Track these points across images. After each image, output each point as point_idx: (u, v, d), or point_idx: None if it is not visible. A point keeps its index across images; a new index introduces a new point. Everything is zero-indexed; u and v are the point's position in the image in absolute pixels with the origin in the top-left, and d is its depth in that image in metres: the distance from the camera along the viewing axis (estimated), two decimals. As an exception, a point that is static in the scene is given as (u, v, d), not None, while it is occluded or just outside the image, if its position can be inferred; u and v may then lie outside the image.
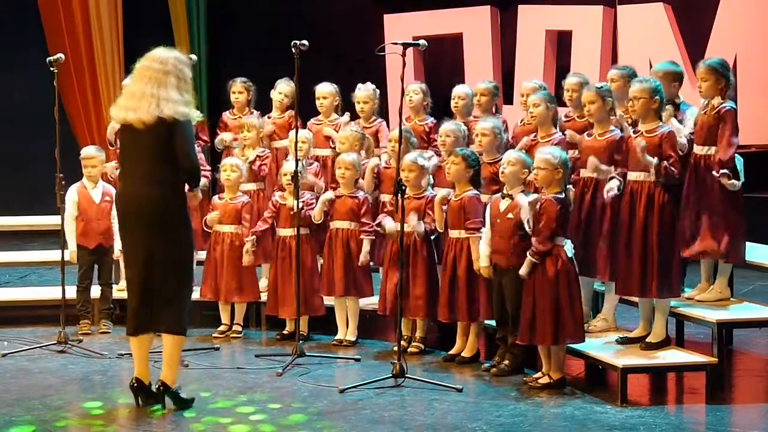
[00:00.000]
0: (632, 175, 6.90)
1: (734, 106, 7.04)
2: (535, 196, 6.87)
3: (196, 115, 6.38)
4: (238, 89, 9.04)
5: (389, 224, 7.62)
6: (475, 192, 7.34)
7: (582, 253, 7.12)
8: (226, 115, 9.16)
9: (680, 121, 7.22)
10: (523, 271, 6.80)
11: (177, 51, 6.45)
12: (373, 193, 8.14)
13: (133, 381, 6.40)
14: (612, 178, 6.98)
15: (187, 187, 6.37)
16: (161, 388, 6.33)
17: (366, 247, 7.86)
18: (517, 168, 7.01)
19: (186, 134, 6.27)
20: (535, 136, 7.55)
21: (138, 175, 6.30)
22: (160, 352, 6.40)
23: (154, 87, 6.22)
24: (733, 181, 6.91)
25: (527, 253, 6.77)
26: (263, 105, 9.13)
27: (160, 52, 6.36)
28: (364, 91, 8.67)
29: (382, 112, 9.18)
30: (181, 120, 6.23)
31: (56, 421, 6.22)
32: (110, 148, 8.92)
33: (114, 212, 8.28)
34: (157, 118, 6.18)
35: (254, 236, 8.14)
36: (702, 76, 7.09)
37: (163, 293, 6.29)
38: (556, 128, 7.53)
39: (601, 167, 6.95)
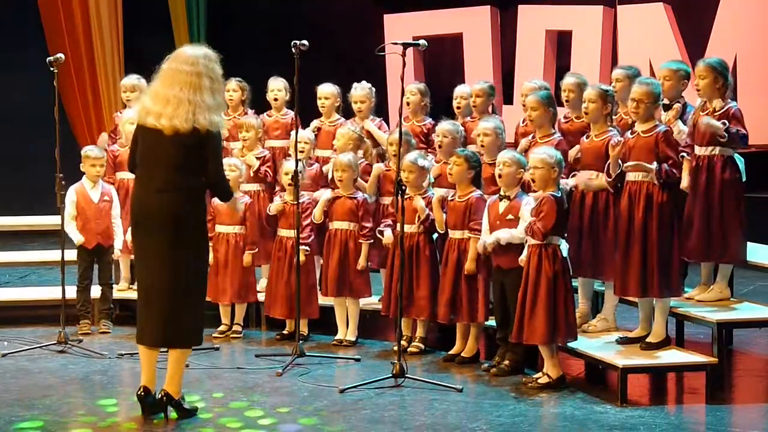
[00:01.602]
0: (630, 176, 6.88)
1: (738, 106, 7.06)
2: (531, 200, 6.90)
3: (224, 125, 6.28)
4: (233, 87, 8.96)
5: (387, 234, 7.68)
6: (480, 193, 7.34)
7: (587, 254, 7.14)
8: (220, 116, 9.13)
9: (684, 122, 7.21)
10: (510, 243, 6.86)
11: (204, 47, 6.22)
12: (373, 197, 8.14)
13: (141, 390, 6.23)
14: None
15: (218, 200, 6.21)
16: (164, 398, 6.20)
17: (365, 250, 7.87)
18: (513, 169, 7.01)
19: (217, 147, 6.15)
20: (534, 136, 7.55)
21: (154, 180, 6.11)
22: (166, 352, 6.31)
23: (190, 92, 6.00)
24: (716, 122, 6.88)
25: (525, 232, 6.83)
26: (262, 105, 9.12)
27: (188, 52, 6.14)
28: (360, 90, 8.62)
29: (381, 112, 9.16)
30: (214, 132, 6.07)
31: (58, 420, 6.21)
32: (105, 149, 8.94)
33: (114, 212, 8.35)
34: (192, 128, 6.01)
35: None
36: (700, 74, 7.07)
37: (173, 304, 6.11)
38: (554, 129, 7.53)
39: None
